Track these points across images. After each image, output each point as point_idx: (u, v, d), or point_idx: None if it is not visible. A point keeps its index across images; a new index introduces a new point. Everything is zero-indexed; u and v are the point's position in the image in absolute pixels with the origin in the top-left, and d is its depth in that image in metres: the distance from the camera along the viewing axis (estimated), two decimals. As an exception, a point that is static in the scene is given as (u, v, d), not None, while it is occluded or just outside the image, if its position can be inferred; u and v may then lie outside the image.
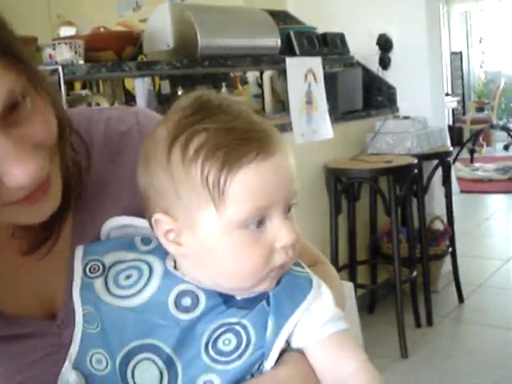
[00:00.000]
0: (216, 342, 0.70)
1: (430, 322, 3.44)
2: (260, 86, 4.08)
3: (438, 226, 3.76)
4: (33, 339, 0.78)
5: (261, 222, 0.68)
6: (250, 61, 3.06)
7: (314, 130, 3.16)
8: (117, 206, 0.83)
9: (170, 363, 0.70)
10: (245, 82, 4.14)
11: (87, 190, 0.83)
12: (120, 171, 0.86)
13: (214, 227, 0.68)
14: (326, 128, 3.25)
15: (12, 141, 0.64)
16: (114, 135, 0.88)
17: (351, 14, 3.96)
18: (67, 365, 0.73)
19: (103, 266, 0.76)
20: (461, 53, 10.18)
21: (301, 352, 0.74)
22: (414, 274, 3.35)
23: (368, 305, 3.62)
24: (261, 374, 0.71)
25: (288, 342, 0.73)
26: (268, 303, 0.72)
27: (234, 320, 0.71)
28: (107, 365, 0.71)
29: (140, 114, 0.91)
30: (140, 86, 2.88)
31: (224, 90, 3.78)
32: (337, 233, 3.25)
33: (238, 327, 0.70)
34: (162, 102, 3.51)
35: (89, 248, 0.78)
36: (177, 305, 0.71)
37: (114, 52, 2.59)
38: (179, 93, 3.56)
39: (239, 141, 0.67)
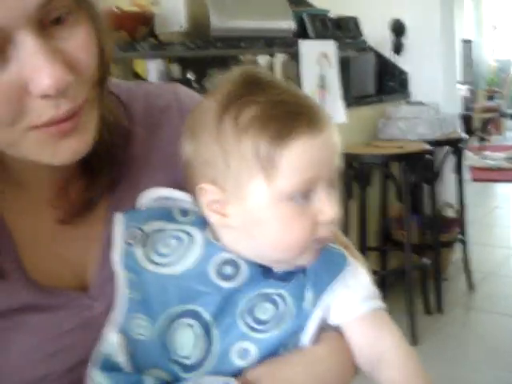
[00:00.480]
0: (253, 310, 0.70)
1: (440, 310, 3.43)
2: (271, 70, 4.06)
3: (449, 213, 3.74)
4: (64, 310, 0.77)
5: (306, 195, 0.69)
6: (264, 43, 3.04)
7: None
8: (154, 179, 0.83)
9: (207, 329, 0.70)
10: (256, 66, 4.12)
11: (125, 162, 0.83)
12: (158, 145, 0.86)
13: (262, 198, 0.69)
14: (339, 112, 3.23)
15: (45, 48, 0.62)
16: (153, 109, 0.87)
17: (364, -2, 3.93)
18: (111, 329, 0.73)
19: (144, 234, 0.76)
20: (471, 40, 10.12)
21: (338, 332, 0.74)
22: (425, 260, 3.33)
23: (378, 291, 3.60)
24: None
25: (324, 321, 0.73)
26: (305, 276, 0.72)
27: (271, 290, 0.71)
28: (147, 330, 0.72)
29: (179, 92, 0.91)
30: (153, 68, 2.86)
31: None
32: (347, 218, 3.23)
33: (275, 297, 0.71)
34: (173, 84, 3.49)
35: (129, 215, 0.78)
36: (218, 273, 0.72)
37: (127, 32, 2.57)
38: (189, 76, 3.54)
39: (291, 114, 0.67)
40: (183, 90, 0.92)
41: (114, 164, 0.80)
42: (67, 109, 0.65)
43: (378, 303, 0.75)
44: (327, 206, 0.69)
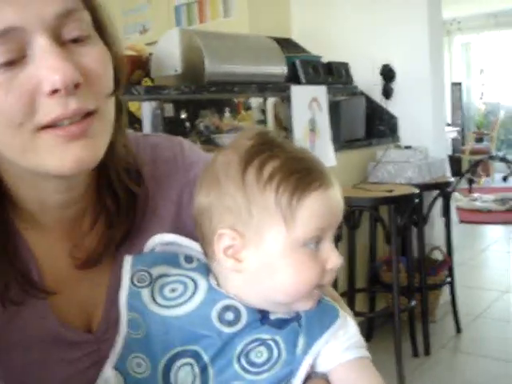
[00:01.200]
0: (248, 353, 0.75)
1: (427, 352, 3.44)
2: (263, 112, 4.12)
3: (437, 255, 3.78)
4: (79, 348, 0.81)
5: (318, 243, 0.76)
6: (256, 88, 3.10)
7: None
8: (162, 229, 0.87)
9: (204, 369, 0.75)
10: (248, 107, 4.17)
11: (137, 212, 0.87)
12: (164, 197, 0.90)
13: (280, 244, 0.75)
14: (328, 155, 3.28)
15: (58, 50, 0.67)
16: (159, 161, 0.92)
17: (355, 44, 4.02)
18: (108, 365, 0.77)
19: (150, 277, 0.81)
20: (461, 84, 10.26)
21: (325, 379, 0.78)
22: (413, 303, 3.35)
23: (366, 333, 3.62)
24: None
25: (312, 368, 0.77)
26: (299, 325, 0.77)
27: (267, 336, 0.76)
28: (146, 369, 0.76)
29: (184, 145, 0.96)
30: (147, 109, 2.91)
31: (228, 115, 3.82)
32: (337, 260, 3.24)
33: (270, 342, 0.76)
34: (166, 124, 3.54)
35: (137, 259, 0.83)
36: (220, 318, 0.76)
37: (124, 75, 2.62)
38: (182, 116, 3.59)
39: (307, 169, 0.76)
40: (187, 143, 0.97)
41: (131, 211, 0.85)
42: (74, 108, 0.68)
43: (364, 352, 0.79)
44: (334, 254, 0.77)
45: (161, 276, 0.81)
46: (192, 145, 0.98)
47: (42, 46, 0.66)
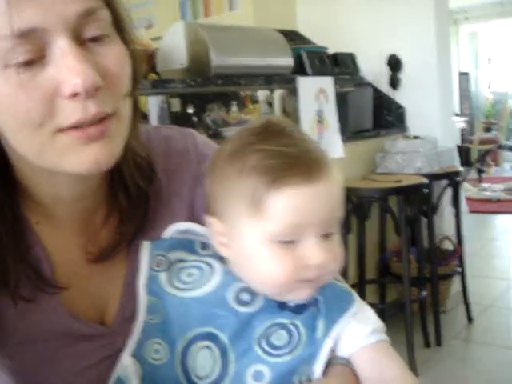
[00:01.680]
0: (269, 336, 0.75)
1: (438, 342, 3.43)
2: (270, 104, 4.11)
3: (448, 245, 3.76)
4: (92, 342, 0.81)
5: (296, 239, 0.75)
6: (263, 80, 3.09)
7: (324, 149, 3.17)
8: (175, 223, 0.87)
9: (224, 351, 0.75)
10: (255, 100, 4.16)
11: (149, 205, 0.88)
12: (177, 191, 0.90)
13: (254, 237, 0.76)
14: (336, 147, 3.27)
15: (77, 52, 0.66)
16: (172, 153, 0.92)
17: (361, 35, 4.00)
18: (126, 353, 0.78)
19: (168, 261, 0.82)
20: (468, 73, 10.21)
21: (347, 365, 0.79)
22: (424, 293, 3.34)
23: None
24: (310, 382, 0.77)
25: (334, 352, 0.79)
26: (317, 309, 0.78)
27: (286, 321, 0.77)
28: (164, 355, 0.77)
29: (196, 137, 0.96)
30: (153, 104, 2.91)
31: (234, 108, 3.81)
32: (346, 251, 3.25)
33: (290, 326, 0.76)
34: (173, 119, 3.54)
35: (155, 244, 0.84)
36: (236, 299, 0.78)
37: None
38: (189, 111, 3.59)
39: (285, 164, 0.74)
40: (199, 136, 0.97)
41: (143, 206, 0.85)
42: (94, 113, 0.68)
43: (385, 336, 0.80)
44: (314, 252, 0.75)
45: (178, 261, 0.83)
46: (204, 137, 0.98)
47: (62, 47, 0.66)
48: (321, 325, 0.77)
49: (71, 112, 0.67)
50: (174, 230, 0.86)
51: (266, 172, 0.74)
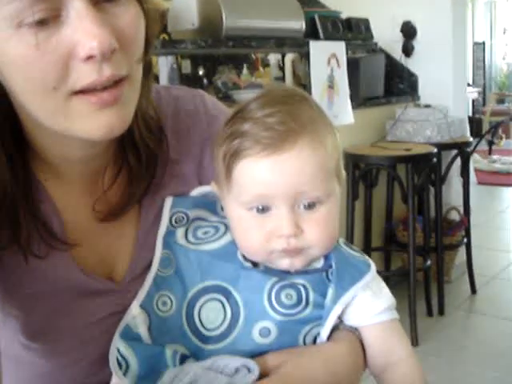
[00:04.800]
0: (278, 294, 0.76)
1: (441, 312, 3.45)
2: (281, 68, 4.07)
3: (454, 216, 3.76)
4: (100, 297, 0.82)
5: (264, 209, 0.76)
6: (274, 43, 3.06)
7: (334, 114, 3.16)
8: (184, 185, 0.89)
9: (234, 306, 0.77)
10: (266, 64, 4.13)
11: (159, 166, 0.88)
12: (186, 151, 0.90)
13: (229, 205, 0.79)
14: (347, 113, 3.25)
15: (94, 14, 0.65)
16: (181, 114, 0.92)
17: (375, 0, 3.94)
18: (135, 304, 0.80)
19: (187, 218, 0.85)
20: (484, 43, 10.09)
21: (355, 334, 0.80)
22: (428, 262, 3.35)
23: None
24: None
25: (341, 321, 0.80)
26: (327, 276, 0.79)
27: (296, 281, 0.77)
28: (171, 306, 0.78)
29: (206, 98, 0.96)
30: (163, 64, 2.89)
31: (245, 71, 3.78)
32: (353, 218, 3.25)
33: (299, 286, 0.77)
34: (183, 80, 3.52)
35: (177, 200, 0.87)
36: (245, 256, 0.79)
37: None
38: (200, 73, 3.56)
39: (252, 135, 0.74)
40: (209, 97, 0.97)
41: (152, 167, 0.85)
42: (109, 75, 0.67)
43: (396, 314, 0.81)
44: (283, 223, 0.74)
45: (197, 219, 0.85)
46: (213, 98, 0.98)
47: (78, 9, 0.64)
48: (330, 291, 0.77)
49: (86, 74, 0.66)
50: (196, 193, 0.88)
51: (234, 142, 0.75)
